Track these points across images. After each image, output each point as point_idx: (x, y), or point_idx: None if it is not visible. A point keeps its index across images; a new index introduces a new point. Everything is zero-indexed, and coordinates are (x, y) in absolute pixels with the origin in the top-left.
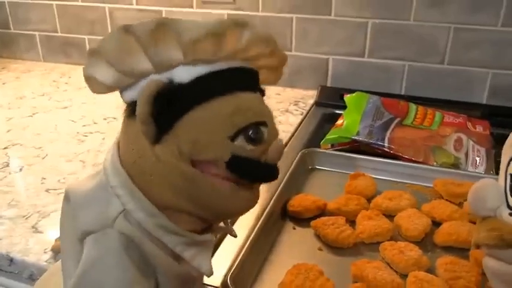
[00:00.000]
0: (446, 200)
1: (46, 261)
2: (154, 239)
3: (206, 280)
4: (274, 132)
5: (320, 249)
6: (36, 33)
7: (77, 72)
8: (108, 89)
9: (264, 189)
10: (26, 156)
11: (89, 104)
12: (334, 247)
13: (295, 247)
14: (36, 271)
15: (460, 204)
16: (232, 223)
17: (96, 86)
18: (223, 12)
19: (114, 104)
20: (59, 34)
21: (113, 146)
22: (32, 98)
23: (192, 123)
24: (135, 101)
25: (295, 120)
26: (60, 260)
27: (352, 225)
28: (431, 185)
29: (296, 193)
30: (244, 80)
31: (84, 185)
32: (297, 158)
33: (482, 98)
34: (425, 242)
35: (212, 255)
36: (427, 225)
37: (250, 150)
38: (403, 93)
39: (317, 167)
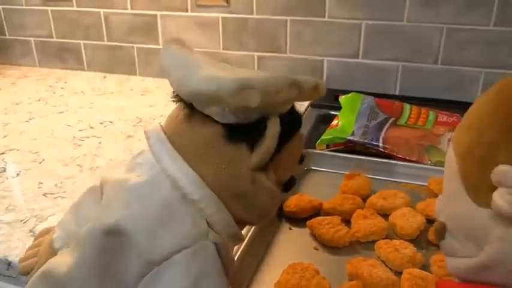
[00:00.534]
0: None
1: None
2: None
3: None
4: None
5: (316, 249)
6: (32, 38)
7: (73, 77)
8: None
9: None
10: (22, 161)
11: (85, 108)
12: (330, 246)
13: (291, 247)
14: None
15: None
16: None
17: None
18: (217, 16)
19: (110, 108)
20: (55, 39)
21: (178, 159)
22: (28, 104)
23: (286, 154)
24: (238, 125)
25: None
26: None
27: (348, 225)
28: (426, 184)
29: (292, 194)
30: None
31: (143, 211)
32: None
33: (476, 97)
34: (419, 239)
35: None
36: (422, 223)
37: (298, 169)
38: (397, 93)
39: (313, 167)
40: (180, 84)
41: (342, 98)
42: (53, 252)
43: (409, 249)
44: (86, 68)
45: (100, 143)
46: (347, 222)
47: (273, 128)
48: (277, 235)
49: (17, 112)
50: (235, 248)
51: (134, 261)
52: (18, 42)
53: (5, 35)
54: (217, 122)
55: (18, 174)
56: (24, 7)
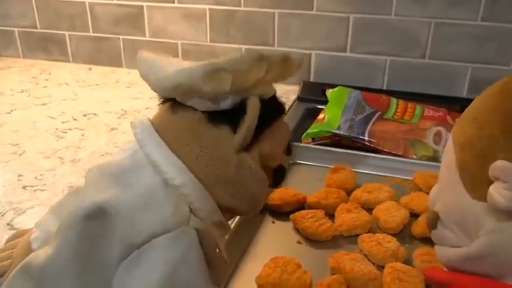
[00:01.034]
0: (425, 192)
1: None
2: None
3: None
4: None
5: (299, 243)
6: (15, 29)
7: (57, 69)
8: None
9: None
10: (2, 153)
11: (69, 100)
12: (313, 240)
13: (274, 240)
14: None
15: None
16: None
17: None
18: (204, 7)
19: (94, 100)
20: (39, 30)
21: (162, 145)
22: (10, 95)
23: (271, 134)
24: (220, 111)
25: None
26: None
27: (332, 219)
28: (411, 178)
29: (276, 187)
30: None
31: (123, 195)
32: None
33: (463, 92)
34: (403, 233)
35: None
36: (405, 217)
37: (285, 159)
38: (384, 87)
39: (298, 161)
40: (158, 86)
41: (329, 92)
42: (30, 253)
43: (392, 243)
44: (71, 60)
45: (83, 135)
46: (331, 216)
47: (252, 106)
48: (260, 228)
49: None
50: None
51: (115, 244)
52: (2, 32)
53: None
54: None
55: None
56: None
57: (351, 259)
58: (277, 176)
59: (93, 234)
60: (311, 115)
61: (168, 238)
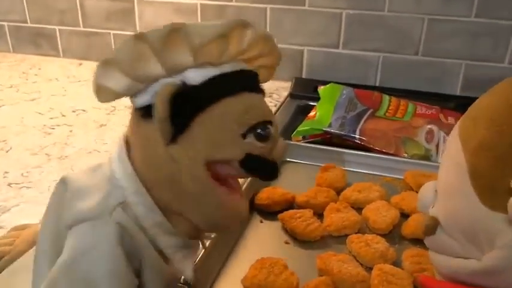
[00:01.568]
0: (416, 191)
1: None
2: (148, 236)
3: None
4: (277, 131)
5: (287, 243)
6: (5, 23)
7: (47, 64)
8: (116, 96)
9: None
10: None
11: (58, 96)
12: (301, 240)
13: (262, 241)
14: None
15: None
16: None
17: (106, 95)
18: (195, 2)
19: (84, 96)
20: (29, 24)
21: (121, 141)
22: None
23: (206, 123)
24: (148, 105)
25: None
26: (24, 256)
27: (321, 218)
28: (402, 177)
29: (265, 186)
30: (249, 81)
31: (85, 175)
32: None
33: (456, 89)
34: (393, 234)
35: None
36: (395, 218)
37: (260, 148)
38: (377, 84)
39: (288, 159)
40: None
41: (321, 89)
42: (33, 244)
43: (380, 244)
44: (61, 55)
45: (71, 131)
46: (320, 215)
47: (159, 94)
48: (248, 228)
49: None
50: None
51: (65, 215)
52: None
53: None
54: None
55: None
56: None
57: (339, 260)
58: (249, 169)
59: (55, 199)
60: (303, 112)
61: (85, 225)
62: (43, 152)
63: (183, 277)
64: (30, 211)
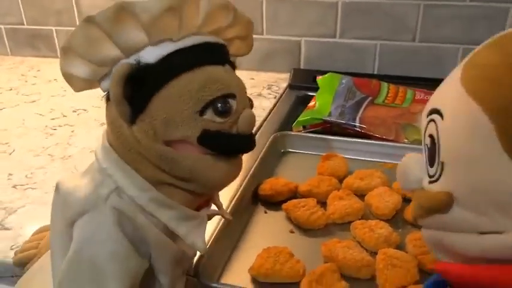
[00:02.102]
0: None
1: (12, 259)
2: (148, 216)
3: None
4: (244, 102)
5: (292, 232)
6: (2, 26)
7: (46, 65)
8: (88, 83)
9: None
10: None
11: (58, 97)
12: (306, 229)
13: (267, 231)
14: (3, 269)
15: None
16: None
17: (77, 83)
18: None
19: (85, 95)
20: (26, 26)
21: (102, 133)
22: None
23: (163, 101)
24: None
25: (268, 104)
26: (40, 260)
27: (324, 207)
28: None
29: (268, 177)
30: (212, 53)
31: (76, 176)
32: (268, 142)
33: None
34: (396, 219)
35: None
36: (398, 203)
37: (219, 123)
38: (376, 72)
39: (289, 150)
40: None
41: (320, 79)
42: None
43: (384, 229)
44: (59, 56)
45: (73, 131)
46: (323, 204)
47: (113, 75)
48: (253, 219)
49: None
50: (209, 231)
51: (62, 219)
52: None
53: None
54: None
55: None
56: None
57: (344, 246)
58: (208, 145)
59: (54, 204)
60: (302, 103)
61: (85, 218)
62: (46, 152)
63: (197, 255)
64: (37, 212)
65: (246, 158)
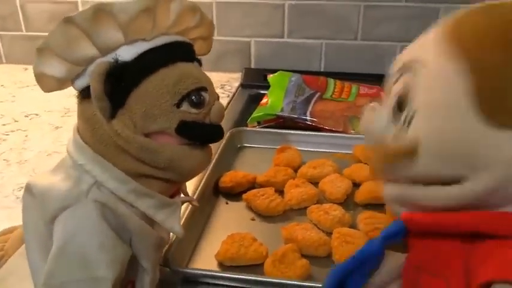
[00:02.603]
0: (365, 163)
1: None
2: (128, 205)
3: None
4: (214, 94)
5: (253, 219)
6: None
7: None
8: (59, 83)
9: None
10: None
11: (7, 102)
12: (266, 216)
13: (229, 220)
14: None
15: None
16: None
17: (48, 83)
18: None
19: (36, 100)
20: None
21: (73, 132)
22: None
23: (141, 96)
24: (87, 87)
25: (222, 102)
26: (8, 263)
27: (282, 195)
28: (351, 152)
29: (227, 170)
30: (182, 51)
31: (46, 175)
32: (225, 138)
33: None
34: (347, 202)
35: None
36: (349, 187)
37: (195, 114)
38: (322, 69)
39: (245, 144)
40: None
41: (270, 77)
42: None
43: (337, 211)
44: (4, 61)
45: (26, 136)
46: (281, 192)
47: (92, 73)
48: (215, 210)
49: None
50: None
51: (40, 219)
52: None
53: None
54: None
55: None
56: None
57: (302, 229)
58: (185, 135)
59: (27, 206)
60: (255, 100)
61: (68, 212)
62: (0, 158)
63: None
64: None
65: None
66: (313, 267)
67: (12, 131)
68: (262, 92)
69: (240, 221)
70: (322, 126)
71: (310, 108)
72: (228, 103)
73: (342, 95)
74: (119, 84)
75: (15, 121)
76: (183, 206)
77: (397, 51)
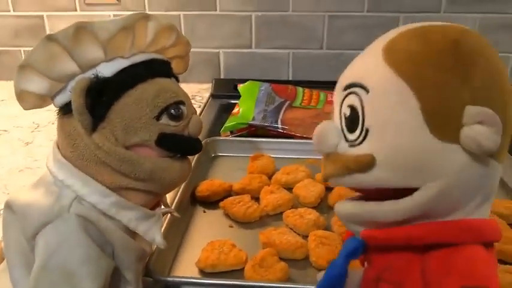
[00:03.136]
0: None
1: None
2: (109, 218)
3: None
4: (192, 108)
5: (231, 226)
6: None
7: None
8: (40, 100)
9: None
10: None
11: None
12: (243, 222)
13: (208, 228)
14: None
15: None
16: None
17: (29, 100)
18: (108, 14)
19: (3, 116)
20: None
21: (53, 148)
22: None
23: (121, 109)
24: (67, 103)
25: None
26: None
27: (257, 201)
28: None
29: (202, 180)
30: (160, 68)
31: (26, 191)
32: None
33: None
34: (321, 205)
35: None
36: (322, 192)
37: (174, 126)
38: (291, 78)
39: (219, 154)
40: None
41: (240, 87)
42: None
43: (312, 215)
44: None
45: None
46: (256, 199)
47: (73, 89)
48: (193, 219)
49: None
50: None
51: (21, 235)
52: None
53: None
54: None
55: None
56: None
57: (279, 233)
58: (165, 147)
59: (6, 223)
60: (226, 110)
61: (49, 227)
62: None
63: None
64: None
65: None
66: (292, 270)
67: None
68: (232, 101)
69: (219, 228)
70: (293, 133)
71: (280, 116)
72: (200, 113)
73: (311, 103)
74: (99, 98)
75: None
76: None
77: None
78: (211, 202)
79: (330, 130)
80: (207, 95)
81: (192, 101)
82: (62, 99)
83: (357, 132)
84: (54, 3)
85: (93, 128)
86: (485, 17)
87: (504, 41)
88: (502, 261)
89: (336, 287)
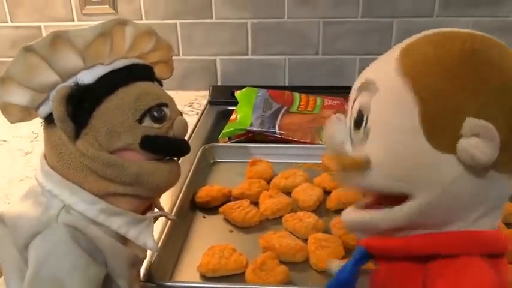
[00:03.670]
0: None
1: None
2: (99, 226)
3: None
4: (176, 110)
5: (231, 231)
6: None
7: None
8: (25, 112)
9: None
10: None
11: None
12: (243, 227)
13: (208, 233)
14: None
15: None
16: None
17: (14, 113)
18: None
19: (3, 126)
20: None
21: (40, 160)
22: None
23: (103, 114)
24: (51, 113)
25: (191, 120)
26: None
27: (257, 206)
28: (320, 161)
29: (202, 186)
30: (141, 72)
31: (16, 204)
32: (198, 154)
33: (354, 81)
34: (320, 209)
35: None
36: (320, 195)
37: (157, 128)
38: (287, 84)
39: (218, 160)
40: None
41: (238, 93)
42: None
43: (311, 218)
44: None
45: None
46: (255, 203)
47: (54, 98)
48: (193, 225)
49: None
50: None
51: (14, 249)
52: None
53: None
54: None
55: None
56: None
57: (279, 237)
58: (150, 149)
59: (0, 236)
60: (223, 117)
61: (39, 238)
62: None
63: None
64: None
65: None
66: (292, 273)
67: None
68: (230, 108)
69: (219, 233)
70: (290, 138)
71: (278, 121)
72: (198, 120)
73: (308, 108)
74: (80, 105)
75: None
76: (162, 222)
77: (357, 63)
78: (211, 208)
79: (338, 129)
80: (204, 102)
81: (189, 108)
82: (45, 109)
83: (361, 131)
84: (52, 13)
85: (76, 135)
86: (478, 21)
87: None
88: None
89: None
